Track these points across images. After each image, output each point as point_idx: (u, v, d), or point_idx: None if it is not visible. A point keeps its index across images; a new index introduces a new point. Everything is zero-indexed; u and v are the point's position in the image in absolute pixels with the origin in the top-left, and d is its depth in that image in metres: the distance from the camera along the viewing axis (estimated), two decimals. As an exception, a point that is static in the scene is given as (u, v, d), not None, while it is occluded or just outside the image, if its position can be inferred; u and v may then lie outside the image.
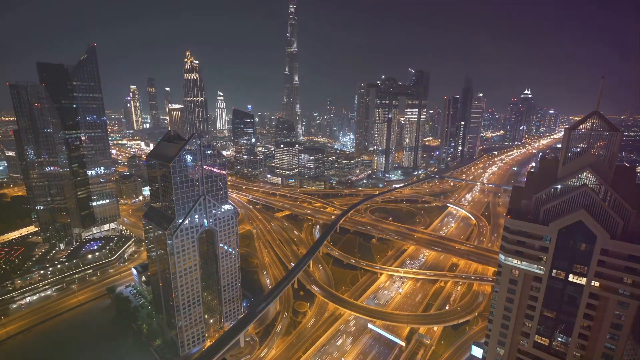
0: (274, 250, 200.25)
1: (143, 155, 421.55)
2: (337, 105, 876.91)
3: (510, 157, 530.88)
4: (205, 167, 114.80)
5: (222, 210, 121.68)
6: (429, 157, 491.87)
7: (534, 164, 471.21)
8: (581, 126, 62.58)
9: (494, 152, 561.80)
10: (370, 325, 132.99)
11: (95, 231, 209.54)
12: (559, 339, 65.94)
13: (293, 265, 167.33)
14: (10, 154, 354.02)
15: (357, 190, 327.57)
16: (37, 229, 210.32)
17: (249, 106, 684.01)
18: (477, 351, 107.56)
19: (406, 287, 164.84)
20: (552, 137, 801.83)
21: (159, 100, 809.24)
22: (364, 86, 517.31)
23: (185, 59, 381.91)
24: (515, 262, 67.07)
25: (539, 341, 68.46)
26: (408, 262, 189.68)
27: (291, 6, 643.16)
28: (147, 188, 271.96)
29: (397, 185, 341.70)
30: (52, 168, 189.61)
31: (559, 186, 63.51)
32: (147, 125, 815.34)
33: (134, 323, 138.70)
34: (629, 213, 55.89)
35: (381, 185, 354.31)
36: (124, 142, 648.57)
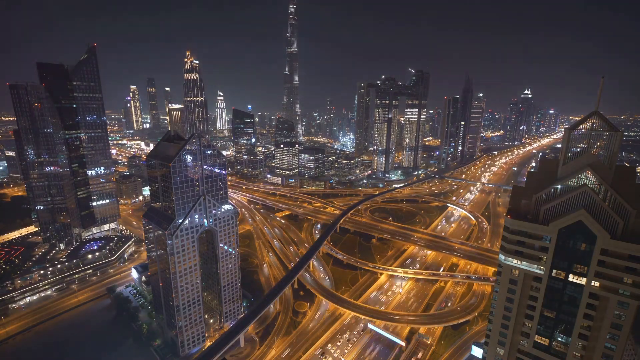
0: (274, 250, 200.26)
1: (143, 155, 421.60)
2: (337, 105, 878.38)
3: (510, 157, 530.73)
4: (205, 167, 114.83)
5: (222, 210, 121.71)
6: (429, 157, 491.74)
7: (534, 164, 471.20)
8: (581, 126, 62.40)
9: (494, 152, 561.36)
10: (370, 325, 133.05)
11: (95, 231, 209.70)
12: (559, 339, 65.88)
13: (293, 265, 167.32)
14: (10, 154, 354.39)
15: (357, 190, 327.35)
16: (37, 229, 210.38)
17: (249, 106, 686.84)
18: (477, 351, 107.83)
19: (406, 287, 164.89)
20: (552, 137, 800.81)
21: (159, 100, 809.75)
22: (364, 86, 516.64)
23: (185, 59, 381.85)
24: (515, 262, 66.99)
25: (539, 341, 68.39)
26: (408, 262, 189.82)
27: (291, 6, 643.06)
28: (147, 188, 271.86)
29: (397, 185, 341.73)
30: (52, 168, 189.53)
31: (559, 186, 63.34)
32: (147, 125, 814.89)
33: (134, 323, 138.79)
34: (629, 213, 55.78)
35: (381, 185, 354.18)
36: (124, 142, 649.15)
